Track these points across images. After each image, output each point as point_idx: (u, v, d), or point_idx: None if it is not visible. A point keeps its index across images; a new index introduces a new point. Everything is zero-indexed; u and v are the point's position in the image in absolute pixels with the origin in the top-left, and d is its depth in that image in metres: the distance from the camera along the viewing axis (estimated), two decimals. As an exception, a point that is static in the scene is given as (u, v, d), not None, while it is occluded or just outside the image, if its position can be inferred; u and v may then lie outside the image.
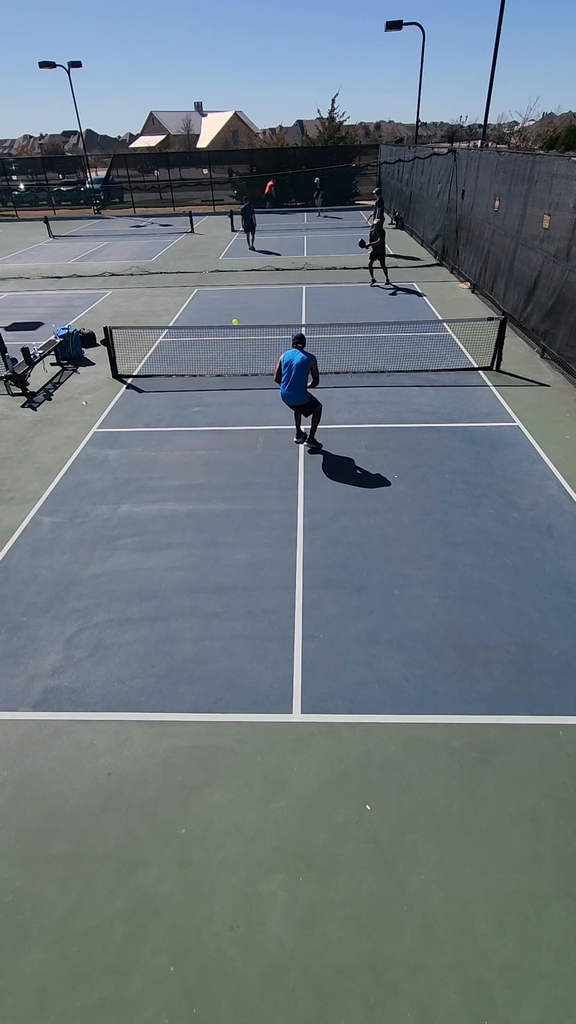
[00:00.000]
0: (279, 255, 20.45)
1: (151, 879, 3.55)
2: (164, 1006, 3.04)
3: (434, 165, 19.38)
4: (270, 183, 31.51)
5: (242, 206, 21.23)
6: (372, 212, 16.49)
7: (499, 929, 3.27)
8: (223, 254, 21.54)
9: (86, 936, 3.32)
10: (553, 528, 6.41)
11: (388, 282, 16.46)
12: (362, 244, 16.01)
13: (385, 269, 16.31)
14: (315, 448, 8.19)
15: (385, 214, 18.08)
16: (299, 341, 7.61)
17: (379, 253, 15.82)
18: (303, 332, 7.40)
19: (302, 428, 8.39)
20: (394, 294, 15.69)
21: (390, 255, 19.40)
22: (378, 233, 15.63)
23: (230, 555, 6.18)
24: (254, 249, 21.57)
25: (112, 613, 5.51)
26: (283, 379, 7.61)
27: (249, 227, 21.06)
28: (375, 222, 16.08)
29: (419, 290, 15.89)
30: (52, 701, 4.69)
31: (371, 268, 16.42)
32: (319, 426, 8.48)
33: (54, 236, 27.31)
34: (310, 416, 8.10)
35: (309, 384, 7.64)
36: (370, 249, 15.84)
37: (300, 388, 7.58)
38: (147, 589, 5.78)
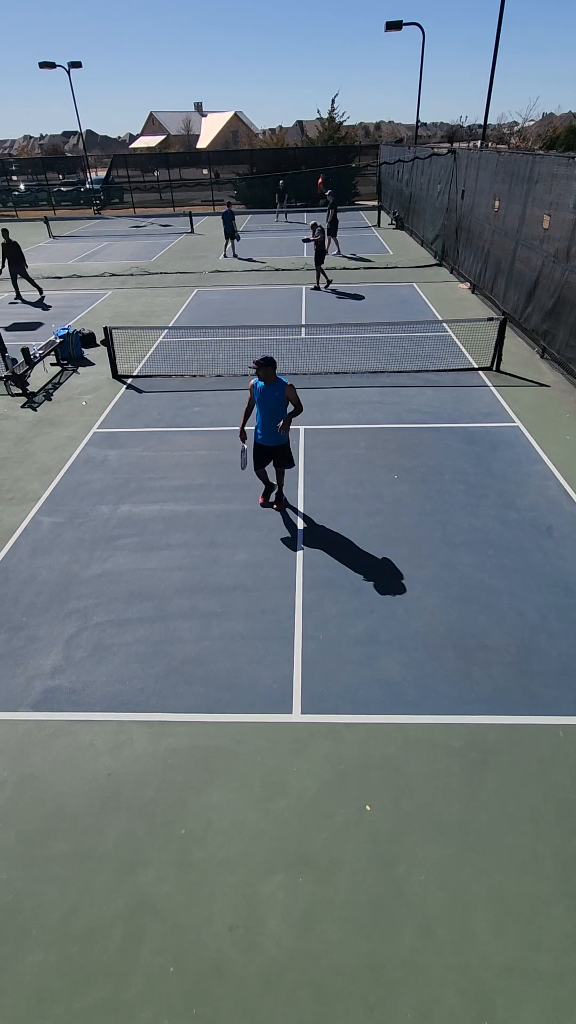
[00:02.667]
0: (262, 262, 20.11)
1: (151, 879, 3.55)
2: (164, 1007, 3.04)
3: (434, 165, 19.39)
4: (320, 179, 31.46)
5: (223, 211, 20.31)
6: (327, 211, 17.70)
7: (499, 930, 3.27)
8: (223, 254, 21.53)
9: (86, 936, 3.32)
10: (553, 528, 6.41)
11: (328, 284, 16.35)
12: (310, 239, 15.64)
13: (323, 271, 16.08)
14: (284, 505, 6.94)
15: (337, 214, 18.65)
16: (267, 365, 5.88)
17: (320, 252, 15.62)
18: (271, 356, 5.88)
19: (272, 481, 6.94)
20: (338, 296, 15.71)
21: (369, 259, 19.39)
22: (322, 231, 15.50)
23: (230, 555, 6.18)
24: (236, 256, 20.95)
25: (112, 613, 5.51)
26: (258, 417, 6.25)
27: (230, 234, 20.28)
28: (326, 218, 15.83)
29: (419, 290, 15.89)
30: (52, 701, 4.68)
31: (319, 271, 16.05)
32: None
33: (54, 236, 27.31)
34: (282, 468, 6.67)
35: (290, 413, 6.15)
36: (315, 247, 15.60)
37: (276, 427, 6.20)
38: (147, 589, 5.78)
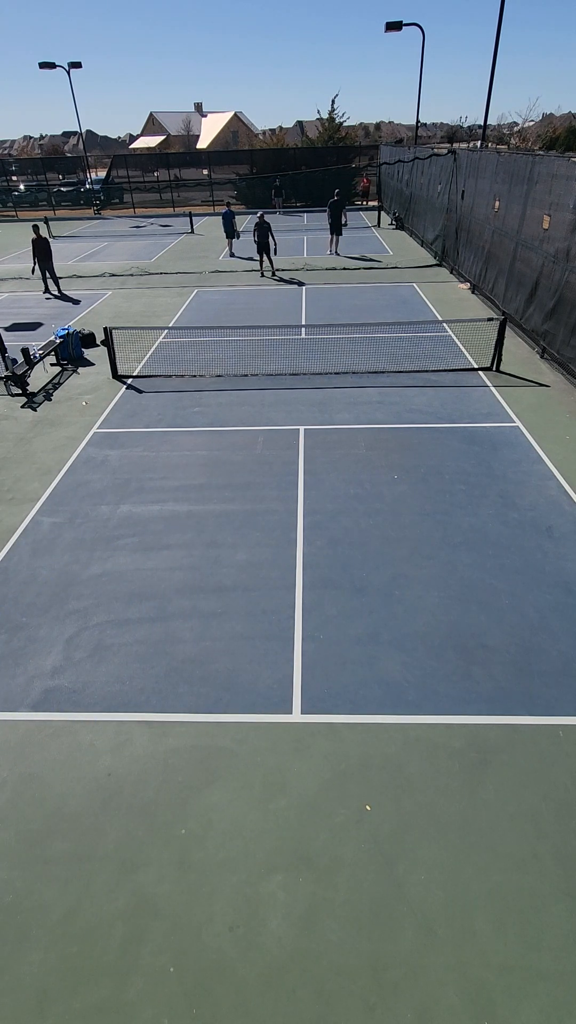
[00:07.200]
0: (257, 261, 20.14)
1: (151, 879, 3.55)
2: (164, 1007, 3.04)
3: (434, 166, 19.40)
4: (365, 179, 32.33)
5: (223, 211, 20.49)
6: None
7: (499, 930, 3.27)
8: (223, 254, 21.53)
9: (86, 937, 3.32)
10: (553, 528, 6.41)
11: (270, 271, 18.11)
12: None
13: (262, 260, 17.90)
14: None
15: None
16: None
17: (262, 244, 17.37)
18: None
19: None
20: (280, 281, 17.08)
21: (364, 257, 19.37)
22: (268, 223, 17.21)
23: (230, 555, 6.18)
24: (235, 256, 21.02)
25: (112, 613, 5.51)
26: None
27: (230, 234, 20.49)
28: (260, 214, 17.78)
29: (419, 290, 15.90)
30: (52, 701, 4.68)
31: (261, 260, 18.00)
32: None
33: (54, 237, 27.24)
34: None
35: None
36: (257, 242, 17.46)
37: None
38: (147, 589, 5.78)
